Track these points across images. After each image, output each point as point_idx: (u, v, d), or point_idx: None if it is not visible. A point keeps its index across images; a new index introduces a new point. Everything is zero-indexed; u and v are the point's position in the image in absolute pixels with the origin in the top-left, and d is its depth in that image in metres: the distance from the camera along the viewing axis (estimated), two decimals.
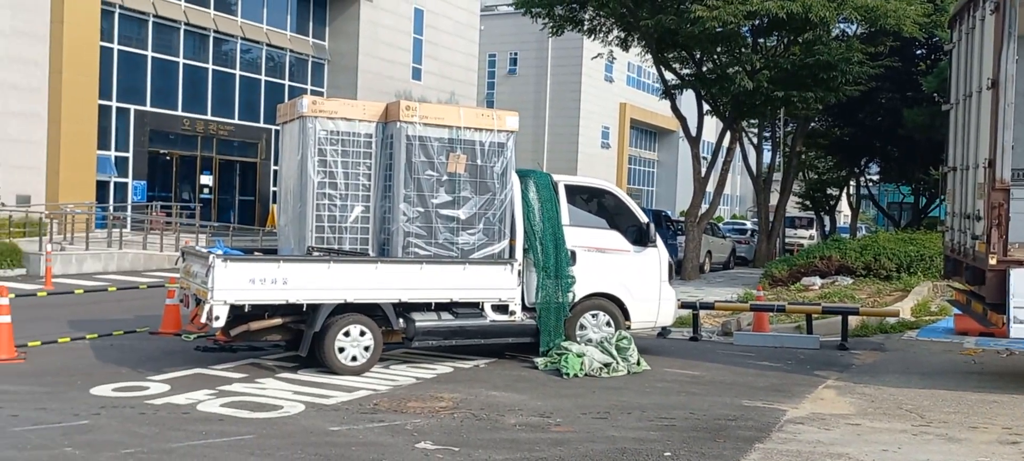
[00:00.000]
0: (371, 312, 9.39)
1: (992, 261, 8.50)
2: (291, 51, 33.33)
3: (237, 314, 8.89)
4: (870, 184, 39.09)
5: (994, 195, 8.49)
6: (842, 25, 24.27)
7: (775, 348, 11.96)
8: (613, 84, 56.51)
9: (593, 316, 10.63)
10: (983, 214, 8.70)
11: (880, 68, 24.17)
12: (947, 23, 11.68)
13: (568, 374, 9.46)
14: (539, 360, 10.02)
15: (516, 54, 53.30)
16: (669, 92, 25.06)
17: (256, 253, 10.46)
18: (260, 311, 9.06)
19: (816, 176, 38.11)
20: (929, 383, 9.56)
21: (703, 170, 24.57)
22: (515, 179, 10.22)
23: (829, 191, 38.99)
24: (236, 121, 31.44)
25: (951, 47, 10.66)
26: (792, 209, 37.84)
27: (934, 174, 27.87)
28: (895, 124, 27.40)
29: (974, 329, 12.27)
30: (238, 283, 8.71)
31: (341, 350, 9.20)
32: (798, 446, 6.84)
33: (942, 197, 11.70)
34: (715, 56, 23.70)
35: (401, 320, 9.56)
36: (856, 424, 7.63)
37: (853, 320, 12.87)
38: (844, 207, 47.24)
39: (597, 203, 11.28)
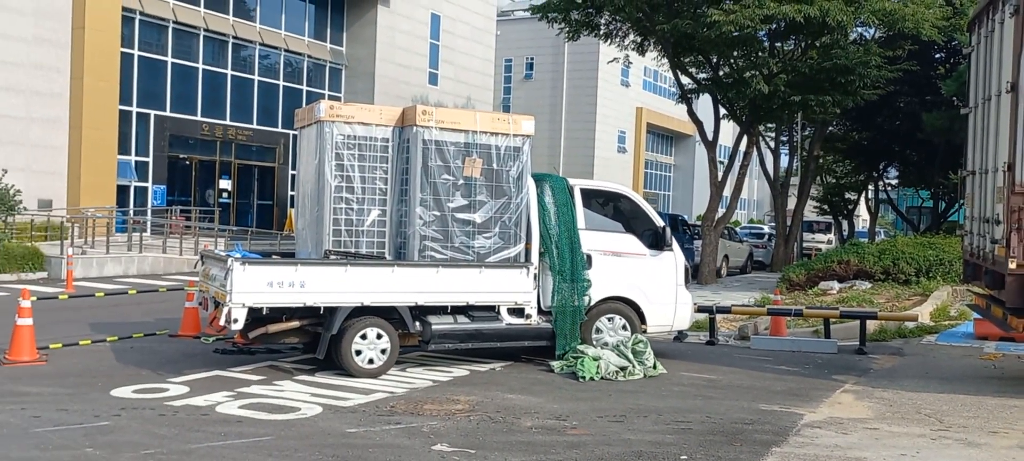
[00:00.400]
0: (388, 315, 9.44)
1: (1012, 265, 8.43)
2: (309, 56, 33.56)
3: (255, 317, 8.96)
4: (888, 188, 38.82)
5: (1014, 199, 8.42)
6: (860, 29, 24.14)
7: (792, 352, 11.91)
8: (629, 88, 56.47)
9: (609, 320, 10.62)
10: (1002, 218, 8.63)
11: (898, 72, 24.01)
12: (966, 26, 11.60)
13: (584, 377, 9.47)
14: (555, 363, 10.04)
15: (532, 59, 53.39)
16: (685, 96, 25.02)
17: (274, 257, 10.55)
18: (278, 314, 9.14)
19: (834, 180, 37.89)
20: (948, 388, 9.49)
21: (720, 174, 24.50)
22: (531, 183, 10.24)
23: (847, 195, 38.75)
24: (254, 126, 31.68)
25: (970, 50, 10.58)
26: (810, 213, 37.62)
27: (953, 178, 27.58)
28: (914, 128, 27.20)
29: (994, 334, 12.13)
30: (256, 286, 8.78)
31: (358, 353, 9.26)
32: (816, 450, 6.81)
33: (961, 201, 11.62)
34: (731, 60, 23.64)
35: (417, 323, 9.61)
36: (874, 428, 7.59)
37: (871, 324, 12.79)
38: (862, 211, 46.95)
39: (613, 207, 11.28)
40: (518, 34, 51.16)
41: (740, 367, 10.72)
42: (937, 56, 28.27)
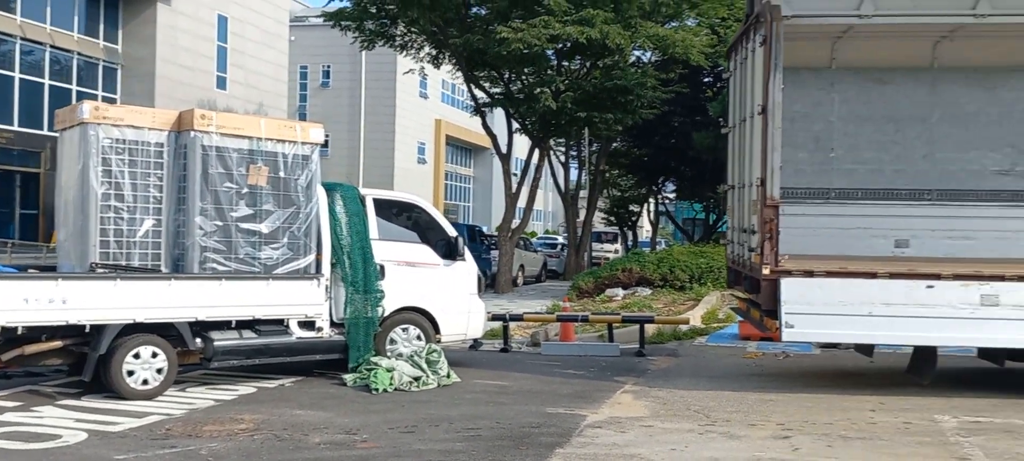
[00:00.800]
0: (164, 332, 8.87)
1: (765, 271, 9.29)
2: (79, 54, 30.83)
3: (9, 337, 8.11)
4: (667, 201, 41.60)
5: (766, 211, 9.30)
6: (637, 52, 25.75)
7: (579, 357, 12.43)
8: (428, 100, 56.75)
9: (403, 330, 10.60)
10: (757, 229, 9.50)
11: (672, 93, 25.84)
12: (726, 53, 12.73)
13: (377, 389, 9.36)
14: (348, 376, 9.86)
15: (329, 67, 52.24)
16: (480, 110, 25.52)
17: (31, 270, 9.61)
18: (37, 333, 8.32)
19: (619, 194, 40.07)
20: (715, 385, 10.27)
21: (514, 186, 25.19)
22: (321, 192, 10.03)
23: (631, 208, 41.13)
24: (16, 128, 28.61)
25: (729, 75, 11.60)
26: (598, 224, 39.58)
27: (719, 192, 29.99)
28: (687, 146, 29.26)
29: (755, 334, 13.13)
30: (8, 303, 7.97)
31: (130, 373, 8.61)
32: (595, 449, 7.15)
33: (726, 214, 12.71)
34: (523, 76, 24.41)
35: (199, 339, 9.10)
36: (649, 425, 8.08)
37: (650, 328, 13.61)
38: (645, 223, 50.04)
39: (407, 217, 11.29)
40: (313, 41, 49.84)
41: (531, 372, 11.05)
42: (705, 80, 30.65)
